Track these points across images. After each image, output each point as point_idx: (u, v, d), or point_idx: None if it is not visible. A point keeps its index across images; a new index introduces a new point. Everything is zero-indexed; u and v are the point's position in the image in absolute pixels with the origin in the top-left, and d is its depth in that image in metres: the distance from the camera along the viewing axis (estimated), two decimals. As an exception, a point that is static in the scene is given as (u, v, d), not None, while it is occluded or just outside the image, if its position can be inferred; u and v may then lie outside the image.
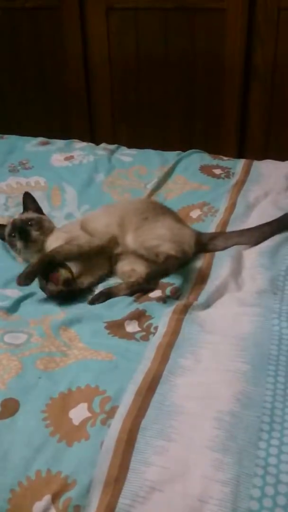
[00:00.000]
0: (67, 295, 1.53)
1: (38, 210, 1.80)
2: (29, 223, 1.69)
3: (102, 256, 1.67)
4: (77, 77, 2.96)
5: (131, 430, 1.05)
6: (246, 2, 2.55)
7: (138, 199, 2.00)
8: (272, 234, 1.68)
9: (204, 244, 1.68)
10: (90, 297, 1.56)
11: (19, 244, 1.65)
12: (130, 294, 1.54)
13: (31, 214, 1.74)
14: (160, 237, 1.61)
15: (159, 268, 1.52)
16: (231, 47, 2.66)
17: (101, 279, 1.65)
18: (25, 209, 1.80)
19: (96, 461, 1.02)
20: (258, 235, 1.68)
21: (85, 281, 1.62)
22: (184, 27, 2.70)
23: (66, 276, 1.52)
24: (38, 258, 1.57)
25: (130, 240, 1.65)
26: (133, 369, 1.21)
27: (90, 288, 1.62)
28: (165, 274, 1.52)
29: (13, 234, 1.68)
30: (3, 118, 3.15)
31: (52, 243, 1.66)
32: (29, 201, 1.81)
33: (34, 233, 1.66)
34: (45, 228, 1.70)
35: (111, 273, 1.68)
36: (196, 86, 2.83)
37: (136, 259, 1.63)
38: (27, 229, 1.67)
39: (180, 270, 1.62)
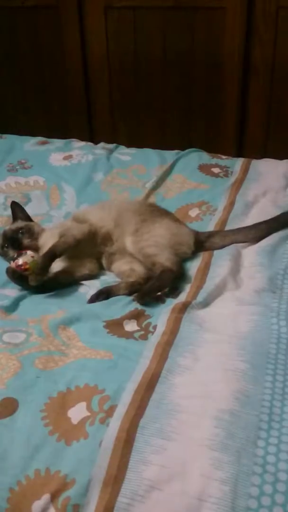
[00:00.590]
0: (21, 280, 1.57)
1: (27, 218, 1.81)
2: (20, 231, 1.70)
3: (91, 255, 1.69)
4: (76, 76, 2.96)
5: (130, 429, 1.05)
6: (245, 0, 2.54)
7: (135, 200, 2.00)
8: (268, 232, 1.68)
9: (202, 242, 1.69)
10: (88, 296, 1.56)
11: (12, 253, 1.66)
12: (129, 294, 1.54)
13: (20, 223, 1.76)
14: (158, 243, 1.62)
15: (154, 284, 1.52)
16: (230, 46, 2.66)
17: (84, 278, 1.65)
18: (14, 218, 1.81)
19: (95, 460, 1.02)
20: (254, 232, 1.69)
21: (65, 277, 1.62)
22: (183, 25, 2.70)
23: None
24: (41, 257, 1.58)
25: (129, 243, 1.66)
26: (132, 368, 1.21)
27: (68, 285, 1.62)
28: (160, 289, 1.52)
29: (5, 245, 1.69)
30: (2, 118, 3.15)
31: (47, 240, 1.67)
32: (17, 210, 1.82)
33: (26, 241, 1.68)
34: (36, 234, 1.71)
35: (95, 274, 1.69)
36: (195, 85, 2.83)
37: (134, 259, 1.64)
38: (18, 238, 1.68)
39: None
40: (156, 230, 1.66)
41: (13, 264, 1.59)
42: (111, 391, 1.15)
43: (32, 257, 1.61)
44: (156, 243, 1.62)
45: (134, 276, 1.59)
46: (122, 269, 1.64)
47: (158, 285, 1.52)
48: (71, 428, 1.08)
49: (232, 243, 1.67)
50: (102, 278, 1.67)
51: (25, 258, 1.60)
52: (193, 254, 1.67)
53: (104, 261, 1.71)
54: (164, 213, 1.78)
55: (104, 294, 1.53)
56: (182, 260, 1.64)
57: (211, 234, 1.72)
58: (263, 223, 1.71)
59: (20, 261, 1.59)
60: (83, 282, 1.64)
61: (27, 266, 1.58)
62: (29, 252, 1.62)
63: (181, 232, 1.69)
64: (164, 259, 1.57)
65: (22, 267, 1.58)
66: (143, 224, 1.68)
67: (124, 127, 3.01)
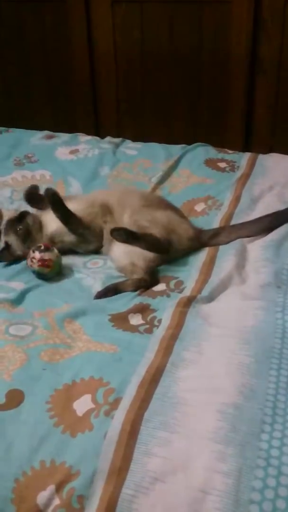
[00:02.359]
0: None
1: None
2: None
3: (96, 228, 1.73)
4: (82, 71, 2.95)
5: (134, 422, 1.06)
6: (252, -6, 2.53)
7: (146, 190, 2.01)
8: (271, 225, 1.68)
9: (205, 243, 1.68)
10: (94, 290, 1.56)
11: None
12: (135, 290, 1.54)
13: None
14: (154, 221, 1.65)
15: (139, 239, 1.58)
16: (237, 40, 2.64)
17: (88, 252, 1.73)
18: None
19: (100, 452, 1.03)
20: (258, 225, 1.69)
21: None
22: (190, 20, 2.69)
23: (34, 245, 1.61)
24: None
25: (126, 218, 1.68)
26: (136, 361, 1.21)
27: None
28: (142, 246, 1.58)
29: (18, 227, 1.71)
30: (9, 112, 3.16)
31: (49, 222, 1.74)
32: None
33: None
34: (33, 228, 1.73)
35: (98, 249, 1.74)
36: (201, 79, 2.82)
37: (130, 247, 1.64)
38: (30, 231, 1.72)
39: (184, 263, 1.63)
40: (156, 214, 1.68)
41: (37, 255, 1.58)
42: (116, 384, 1.16)
43: (57, 256, 1.61)
44: (152, 219, 1.65)
45: (138, 272, 1.59)
46: (123, 264, 1.63)
47: (142, 242, 1.58)
48: (76, 420, 1.09)
49: (237, 238, 1.67)
50: (108, 271, 1.66)
51: (52, 255, 1.59)
52: (196, 251, 1.67)
53: (104, 245, 1.73)
54: (171, 207, 1.78)
55: (112, 291, 1.53)
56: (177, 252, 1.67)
57: (216, 233, 1.70)
58: (267, 217, 1.71)
59: (47, 256, 1.58)
60: (88, 274, 1.63)
61: (51, 263, 1.58)
62: (56, 251, 1.62)
63: (180, 225, 1.69)
64: (156, 231, 1.61)
65: (46, 263, 1.58)
66: (146, 208, 1.70)
67: (131, 122, 3.00)
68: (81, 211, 1.73)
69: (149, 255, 1.61)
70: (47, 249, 1.60)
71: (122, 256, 1.64)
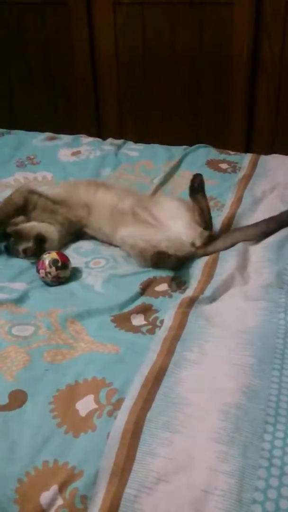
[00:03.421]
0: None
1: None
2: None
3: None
4: (84, 72, 2.96)
5: (137, 422, 1.06)
6: (253, -5, 2.54)
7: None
8: (268, 230, 1.67)
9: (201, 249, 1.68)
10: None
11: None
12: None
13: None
14: None
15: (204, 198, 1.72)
16: (238, 41, 2.65)
17: None
18: None
19: (103, 452, 1.03)
20: (255, 230, 1.68)
21: None
22: (192, 21, 2.69)
23: (52, 258, 1.58)
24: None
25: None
26: (139, 361, 1.22)
27: None
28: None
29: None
30: (11, 114, 3.16)
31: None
32: None
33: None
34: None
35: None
36: (203, 81, 2.82)
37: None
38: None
39: (186, 264, 1.63)
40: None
41: (53, 272, 1.56)
42: (119, 384, 1.16)
43: (71, 271, 1.62)
44: None
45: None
46: (139, 247, 1.65)
47: (203, 198, 1.72)
48: (79, 420, 1.09)
49: (233, 244, 1.65)
50: (110, 271, 1.65)
51: (66, 273, 1.59)
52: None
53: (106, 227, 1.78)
54: None
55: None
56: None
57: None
58: (263, 222, 1.70)
59: (62, 274, 1.58)
60: (89, 273, 1.63)
61: (63, 280, 1.59)
62: (70, 265, 1.61)
63: None
64: None
65: (60, 280, 1.58)
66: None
67: (132, 123, 3.01)
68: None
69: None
70: (64, 265, 1.58)
71: (137, 241, 1.66)
